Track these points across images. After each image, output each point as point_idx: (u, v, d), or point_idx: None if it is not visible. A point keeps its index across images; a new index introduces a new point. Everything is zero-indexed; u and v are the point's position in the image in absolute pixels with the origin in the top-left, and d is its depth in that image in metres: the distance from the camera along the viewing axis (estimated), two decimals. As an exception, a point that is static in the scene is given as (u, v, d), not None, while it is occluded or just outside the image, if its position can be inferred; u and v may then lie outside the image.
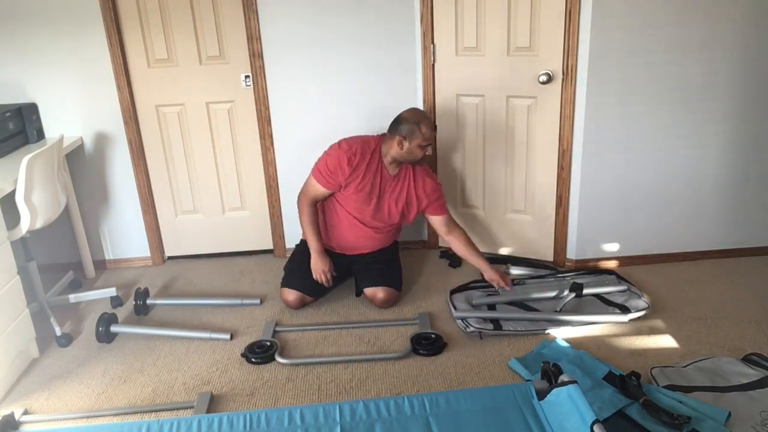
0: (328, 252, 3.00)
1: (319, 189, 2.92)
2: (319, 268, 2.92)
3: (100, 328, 2.79)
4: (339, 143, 2.90)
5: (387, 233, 3.07)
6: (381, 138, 2.91)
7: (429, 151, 2.85)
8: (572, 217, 3.23)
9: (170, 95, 3.34)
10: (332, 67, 3.28)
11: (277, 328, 2.85)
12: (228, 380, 2.52)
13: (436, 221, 3.02)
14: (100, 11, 3.12)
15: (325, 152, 2.91)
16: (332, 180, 2.87)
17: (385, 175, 2.91)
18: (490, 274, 2.96)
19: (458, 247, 3.02)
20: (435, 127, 2.87)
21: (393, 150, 2.83)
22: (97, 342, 2.81)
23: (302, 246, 3.12)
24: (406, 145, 2.79)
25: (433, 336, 2.66)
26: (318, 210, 3.01)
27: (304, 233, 2.99)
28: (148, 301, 3.08)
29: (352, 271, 3.11)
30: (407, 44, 3.24)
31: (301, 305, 3.02)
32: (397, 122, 2.81)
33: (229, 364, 2.63)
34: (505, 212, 3.39)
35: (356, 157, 2.84)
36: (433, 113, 3.33)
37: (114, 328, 2.84)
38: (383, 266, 3.03)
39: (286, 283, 3.03)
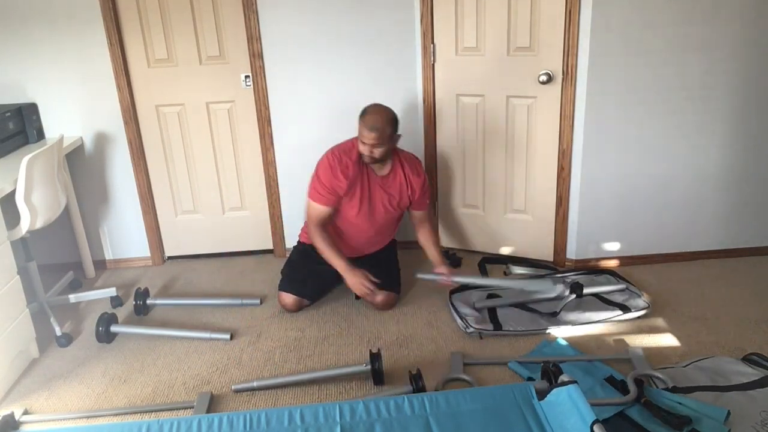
0: (321, 258, 2.96)
1: (323, 209, 2.85)
2: (357, 282, 2.83)
3: (100, 328, 2.79)
4: (325, 158, 2.83)
5: (384, 233, 3.08)
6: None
7: (369, 152, 2.72)
8: (572, 217, 3.23)
9: (170, 95, 3.34)
10: (332, 67, 3.28)
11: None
12: (228, 380, 2.52)
13: (415, 215, 3.05)
14: (100, 11, 3.12)
15: (316, 172, 2.85)
16: (333, 197, 2.82)
17: (373, 176, 2.89)
18: (440, 268, 2.97)
19: (422, 239, 3.07)
20: (372, 129, 2.67)
21: None
22: (97, 342, 2.81)
23: (299, 248, 3.14)
24: (358, 135, 2.77)
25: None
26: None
27: (325, 257, 2.89)
28: (148, 301, 3.08)
29: None
30: (407, 44, 3.24)
31: (299, 308, 3.02)
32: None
33: (229, 364, 2.63)
34: (505, 212, 3.39)
35: (348, 169, 2.80)
36: (432, 113, 3.33)
37: (114, 328, 2.84)
38: (381, 269, 3.00)
39: (284, 286, 3.02)
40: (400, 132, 2.82)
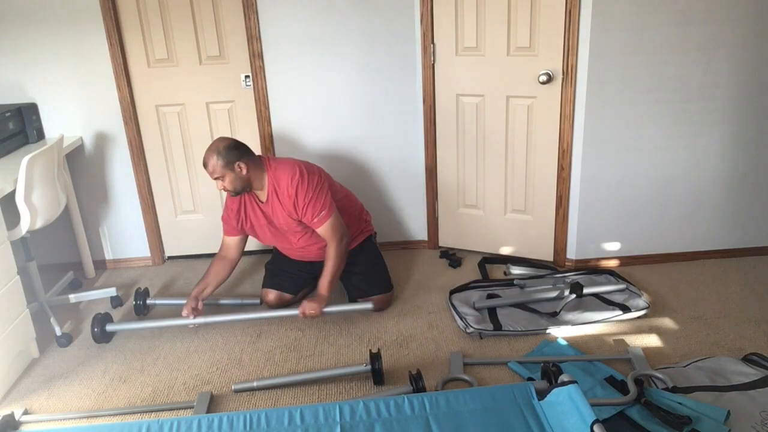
0: (299, 261, 3.01)
1: (224, 239, 2.93)
2: (186, 304, 2.82)
3: (95, 329, 2.77)
4: None
5: (317, 243, 2.88)
6: None
7: (221, 188, 2.70)
8: (572, 217, 3.23)
9: (170, 95, 3.34)
10: (332, 67, 3.27)
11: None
12: (228, 380, 2.52)
13: (319, 234, 2.81)
14: (100, 11, 3.12)
15: None
16: (228, 227, 2.90)
17: (259, 204, 2.81)
18: (304, 303, 2.73)
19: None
20: (205, 164, 2.66)
21: None
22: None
23: None
24: None
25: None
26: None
27: None
28: (148, 301, 3.07)
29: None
30: (407, 44, 3.24)
31: (281, 304, 3.02)
32: None
33: (229, 364, 2.63)
34: (505, 212, 3.39)
35: (233, 203, 2.85)
36: (432, 113, 3.33)
37: (110, 327, 2.83)
38: (367, 272, 2.98)
39: (264, 284, 3.05)
40: (241, 158, 2.65)
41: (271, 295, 2.99)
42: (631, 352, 2.51)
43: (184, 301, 3.10)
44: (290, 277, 3.02)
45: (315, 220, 2.73)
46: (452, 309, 2.89)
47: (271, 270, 3.08)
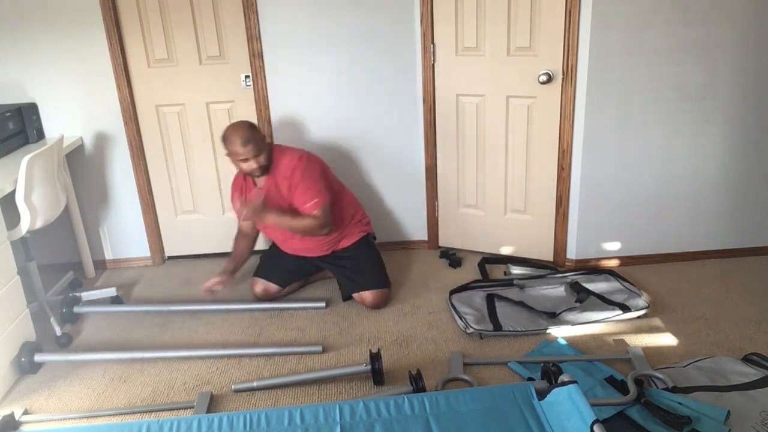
0: (297, 255, 3.04)
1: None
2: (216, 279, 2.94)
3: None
4: None
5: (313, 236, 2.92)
6: None
7: (248, 165, 2.73)
8: (572, 217, 3.23)
9: (170, 95, 3.34)
10: (332, 67, 3.27)
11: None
12: (228, 380, 2.52)
13: None
14: (100, 11, 3.12)
15: None
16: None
17: (254, 188, 2.90)
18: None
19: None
20: (246, 142, 2.67)
21: None
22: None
23: None
24: (232, 159, 2.78)
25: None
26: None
27: None
28: (75, 310, 3.01)
29: (333, 274, 3.11)
30: (407, 44, 3.24)
31: (267, 295, 3.04)
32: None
33: (229, 364, 2.63)
34: (505, 212, 3.39)
35: (235, 188, 2.98)
36: (432, 113, 3.33)
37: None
38: (363, 267, 2.99)
39: (255, 272, 3.08)
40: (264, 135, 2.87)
41: (258, 286, 3.02)
42: (631, 352, 2.51)
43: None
44: (280, 270, 3.04)
45: (307, 205, 2.76)
46: (452, 309, 2.89)
47: (263, 260, 3.10)
